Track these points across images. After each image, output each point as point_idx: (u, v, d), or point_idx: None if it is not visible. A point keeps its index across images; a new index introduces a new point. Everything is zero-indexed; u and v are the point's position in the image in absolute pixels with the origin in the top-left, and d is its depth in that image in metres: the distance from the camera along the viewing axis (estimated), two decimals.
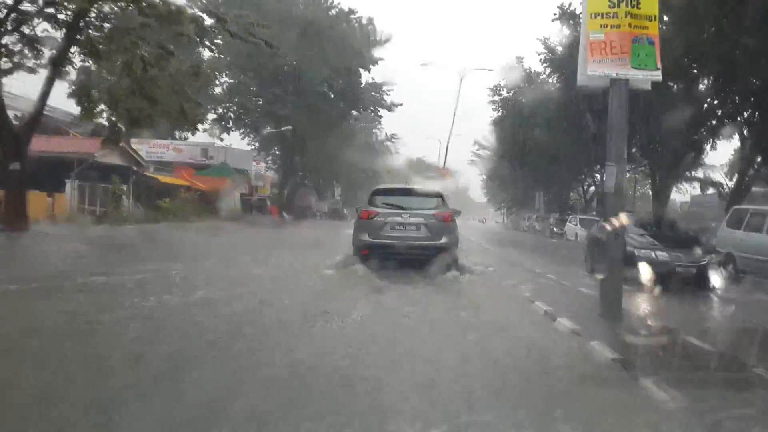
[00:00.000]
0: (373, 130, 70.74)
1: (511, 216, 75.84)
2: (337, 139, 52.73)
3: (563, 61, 35.61)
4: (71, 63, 15.06)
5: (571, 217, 31.96)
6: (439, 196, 12.40)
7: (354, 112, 48.85)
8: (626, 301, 7.48)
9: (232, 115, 39.42)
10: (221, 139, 40.15)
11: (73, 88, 15.15)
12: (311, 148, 42.03)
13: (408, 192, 12.49)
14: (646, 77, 6.32)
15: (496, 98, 45.91)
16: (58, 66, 14.56)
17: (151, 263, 11.27)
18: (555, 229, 34.00)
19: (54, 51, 14.62)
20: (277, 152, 44.65)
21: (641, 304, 8.84)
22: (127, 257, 13.49)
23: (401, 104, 47.97)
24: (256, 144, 43.94)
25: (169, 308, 7.06)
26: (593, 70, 6.18)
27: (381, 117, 47.90)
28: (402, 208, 11.61)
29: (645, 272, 9.64)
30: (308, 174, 50.91)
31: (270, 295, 8.43)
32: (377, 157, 71.55)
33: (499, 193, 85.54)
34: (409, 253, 11.23)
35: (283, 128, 36.46)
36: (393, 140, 73.31)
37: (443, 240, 11.36)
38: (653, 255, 10.89)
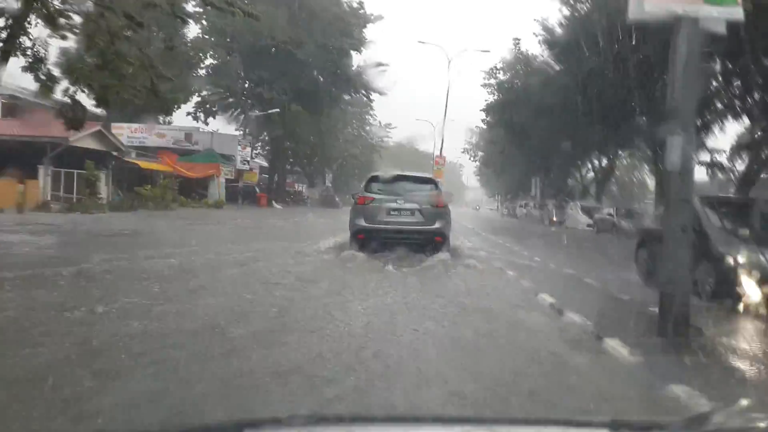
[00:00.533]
0: (365, 116, 69.35)
1: (506, 203, 74.68)
2: (328, 124, 51.29)
3: (562, 42, 34.28)
4: (26, 33, 13.54)
5: (571, 203, 30.68)
6: (433, 182, 12.88)
7: (346, 96, 47.22)
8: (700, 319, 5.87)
9: (216, 98, 37.74)
10: (207, 123, 38.60)
11: (29, 61, 13.63)
12: (301, 133, 40.45)
13: (403, 178, 12.41)
14: (722, 15, 4.75)
15: (492, 81, 44.53)
16: (12, 36, 13.05)
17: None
18: (555, 217, 32.71)
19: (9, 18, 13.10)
20: (266, 138, 43.00)
21: (722, 324, 6.80)
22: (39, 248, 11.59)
23: (394, 83, 46.56)
24: (245, 129, 42.41)
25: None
26: (653, 4, 4.71)
27: (373, 101, 46.28)
28: (397, 194, 11.77)
29: (750, 286, 6.97)
30: (298, 160, 49.32)
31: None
32: (369, 145, 70.36)
33: (493, 180, 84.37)
34: (403, 237, 11.50)
35: (269, 111, 34.85)
36: (387, 130, 72.22)
37: (436, 225, 11.54)
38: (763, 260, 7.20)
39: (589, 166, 46.98)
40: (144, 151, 36.43)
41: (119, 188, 29.08)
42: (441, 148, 39.43)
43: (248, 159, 33.04)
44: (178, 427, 2.89)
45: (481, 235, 21.13)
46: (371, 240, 11.43)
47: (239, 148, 32.76)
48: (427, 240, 11.42)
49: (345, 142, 65.56)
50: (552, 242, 20.29)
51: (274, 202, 40.86)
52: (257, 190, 41.95)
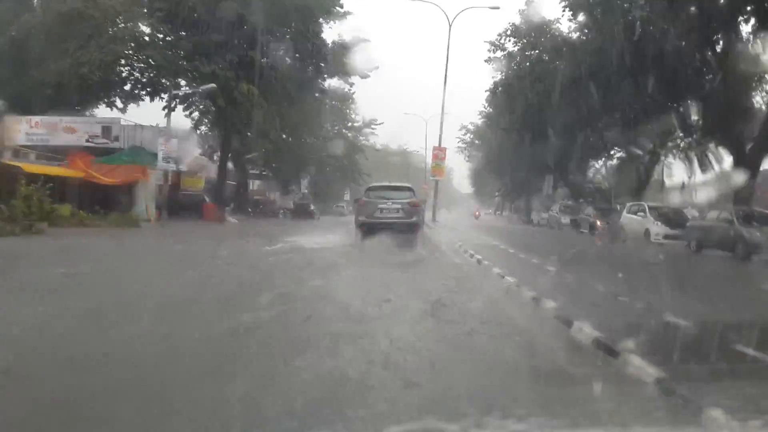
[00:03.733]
0: (346, 111, 60.44)
1: (512, 206, 65.66)
2: (300, 115, 42.38)
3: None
4: None
5: (631, 205, 21.86)
6: (411, 189, 18.08)
7: (321, 83, 38.22)
8: None
9: (138, 76, 28.52)
10: (123, 111, 29.33)
11: None
12: (265, 126, 31.36)
13: (390, 188, 18.10)
14: None
15: (499, 54, 35.82)
16: None
17: None
18: (600, 225, 23.87)
19: None
20: (211, 131, 33.67)
21: None
22: None
23: (377, 67, 37.57)
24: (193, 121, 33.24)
25: None
26: None
27: (353, 85, 37.43)
28: (386, 198, 16.92)
29: None
30: (262, 160, 40.31)
31: None
32: (352, 145, 61.29)
33: (490, 182, 75.38)
34: (391, 226, 16.12)
35: (201, 87, 25.80)
36: (373, 126, 62.84)
37: (414, 218, 16.91)
38: None
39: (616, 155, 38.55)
40: (50, 151, 27.51)
41: None
42: (440, 138, 30.81)
43: (172, 156, 23.93)
44: None
45: (529, 264, 12.28)
46: (370, 228, 16.30)
47: (160, 141, 23.73)
48: (407, 228, 16.51)
49: (324, 141, 56.60)
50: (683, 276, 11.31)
51: (226, 214, 31.81)
52: (206, 199, 32.88)
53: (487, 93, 39.68)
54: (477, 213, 64.06)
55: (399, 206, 16.45)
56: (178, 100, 29.78)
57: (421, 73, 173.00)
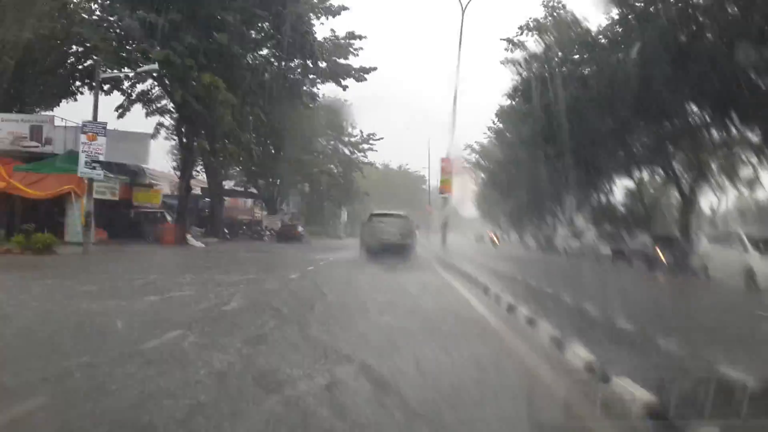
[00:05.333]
0: (342, 124, 55.04)
1: (518, 230, 59.79)
2: (289, 125, 36.98)
3: None
4: None
5: (718, 234, 16.04)
6: (406, 217, 22.02)
7: (311, 87, 32.79)
8: None
9: (73, 60, 23.03)
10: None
11: None
12: (237, 129, 25.77)
13: (389, 215, 21.87)
14: None
15: (517, 56, 30.32)
16: None
17: None
18: (663, 258, 18.10)
19: None
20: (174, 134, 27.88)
21: None
22: None
23: (374, 69, 32.14)
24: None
25: None
26: None
27: (346, 87, 31.94)
28: (386, 224, 20.68)
29: None
30: (247, 175, 34.74)
31: None
32: (350, 163, 55.80)
33: (498, 203, 69.62)
34: (390, 246, 19.38)
35: (141, 69, 20.20)
36: (372, 141, 57.17)
37: (409, 240, 20.54)
38: None
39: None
40: None
41: None
42: (450, 147, 25.44)
43: (97, 159, 18.14)
44: None
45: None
46: (373, 248, 19.72)
47: (83, 138, 17.96)
48: (402, 249, 19.71)
49: (317, 155, 51.17)
50: None
51: (191, 237, 26.17)
52: (167, 217, 27.27)
53: (498, 106, 34.11)
54: (493, 237, 55.60)
55: (396, 230, 20.23)
56: (131, 98, 24.38)
57: (423, 85, 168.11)
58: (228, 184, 46.07)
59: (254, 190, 45.55)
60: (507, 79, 32.27)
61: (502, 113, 47.19)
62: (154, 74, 22.77)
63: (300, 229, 39.31)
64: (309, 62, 29.65)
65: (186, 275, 12.24)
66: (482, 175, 69.33)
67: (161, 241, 24.77)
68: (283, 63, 28.57)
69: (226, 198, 47.05)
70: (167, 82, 22.96)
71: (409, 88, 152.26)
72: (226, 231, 33.91)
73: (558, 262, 27.40)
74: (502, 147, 50.92)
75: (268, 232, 41.31)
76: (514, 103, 35.27)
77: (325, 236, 53.60)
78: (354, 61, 32.17)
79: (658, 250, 18.55)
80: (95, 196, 22.91)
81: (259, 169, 39.61)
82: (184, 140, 24.75)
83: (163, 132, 26.93)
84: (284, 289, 10.69)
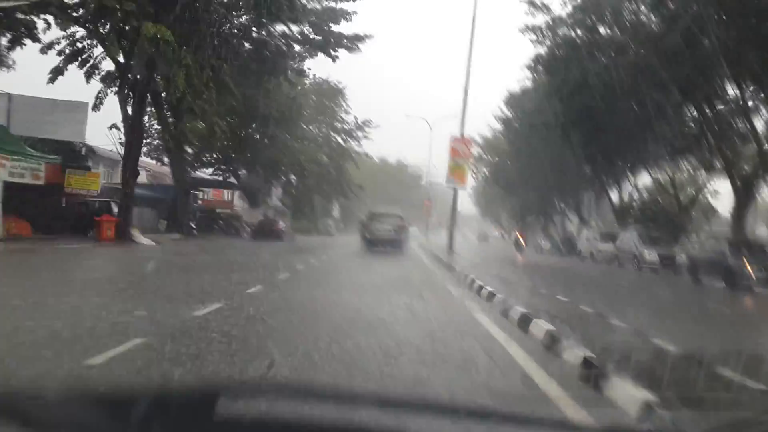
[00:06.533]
0: (335, 109, 49.94)
1: (525, 227, 54.57)
2: (272, 105, 32.01)
3: None
4: None
5: None
6: (400, 216, 24.87)
7: (297, 60, 27.71)
8: None
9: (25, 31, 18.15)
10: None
11: None
12: (193, 97, 20.61)
13: (385, 214, 24.85)
14: None
15: (540, 21, 25.25)
16: None
17: None
18: (753, 272, 13.16)
19: None
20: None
21: None
22: None
23: (371, 36, 27.11)
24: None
25: None
26: None
27: (337, 58, 26.83)
28: (382, 222, 23.90)
29: None
30: (221, 160, 29.62)
31: None
32: (340, 150, 50.71)
33: (501, 200, 64.62)
34: (385, 241, 23.09)
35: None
36: (367, 129, 51.89)
37: (402, 236, 23.77)
38: None
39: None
40: None
41: None
42: (462, 126, 20.30)
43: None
44: (154, 390, 2.56)
45: None
46: (371, 242, 23.33)
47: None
48: (396, 243, 23.14)
49: (306, 142, 46.06)
50: None
51: (136, 232, 21.14)
52: (112, 207, 22.20)
53: (507, 93, 28.95)
54: (519, 239, 33.86)
55: (390, 227, 23.58)
56: (67, 57, 19.44)
57: (425, 75, 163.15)
58: (207, 173, 41.17)
59: (233, 180, 40.44)
60: (510, 76, 27.27)
61: (512, 99, 42.62)
62: (87, 24, 17.70)
63: (281, 224, 34.28)
64: (291, 26, 24.66)
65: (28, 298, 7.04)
66: (484, 169, 64.65)
67: (99, 237, 19.79)
68: (261, 27, 23.55)
69: (204, 189, 42.13)
70: (102, 32, 17.91)
71: (409, 75, 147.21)
72: (193, 226, 28.85)
73: (595, 271, 22.19)
74: (510, 136, 46.21)
75: (248, 228, 36.30)
76: (533, 78, 30.29)
77: (315, 233, 48.56)
78: (346, 28, 27.43)
79: (746, 262, 13.63)
80: (8, 178, 18.02)
81: (237, 155, 34.58)
82: (129, 113, 19.65)
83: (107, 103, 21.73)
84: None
